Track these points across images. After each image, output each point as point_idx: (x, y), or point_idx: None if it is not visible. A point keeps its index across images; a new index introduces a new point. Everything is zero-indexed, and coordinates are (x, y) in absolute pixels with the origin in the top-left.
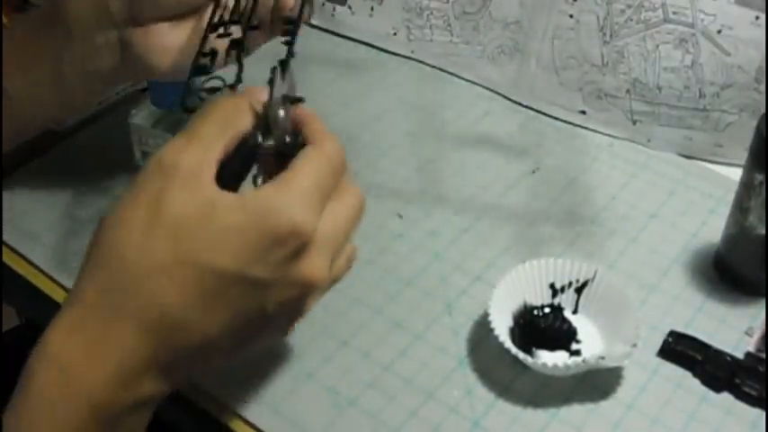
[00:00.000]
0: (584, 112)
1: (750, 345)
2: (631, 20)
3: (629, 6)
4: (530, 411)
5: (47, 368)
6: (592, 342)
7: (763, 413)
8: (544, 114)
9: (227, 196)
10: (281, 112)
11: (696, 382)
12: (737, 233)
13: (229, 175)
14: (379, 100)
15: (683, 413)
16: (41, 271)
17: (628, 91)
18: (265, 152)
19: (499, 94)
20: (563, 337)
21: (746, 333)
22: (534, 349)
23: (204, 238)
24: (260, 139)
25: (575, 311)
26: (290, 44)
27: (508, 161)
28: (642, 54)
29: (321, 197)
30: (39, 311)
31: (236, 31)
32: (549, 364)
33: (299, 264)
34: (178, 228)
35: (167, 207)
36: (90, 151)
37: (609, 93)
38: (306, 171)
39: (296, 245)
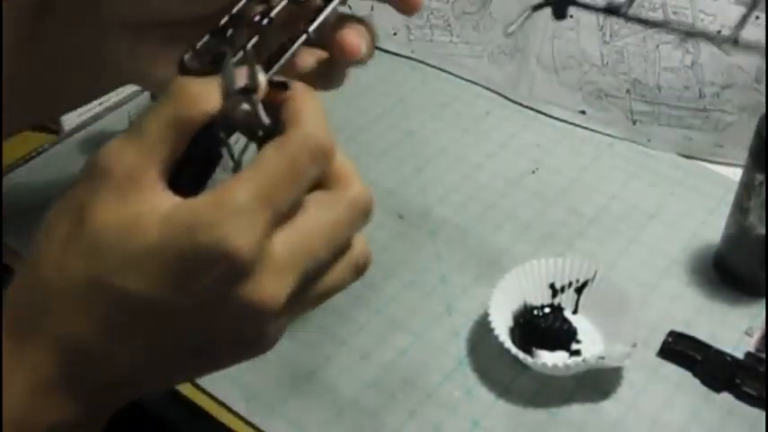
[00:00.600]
0: (584, 112)
1: (750, 345)
2: (631, 20)
3: (630, 6)
4: (530, 411)
5: None
6: (592, 342)
7: (763, 413)
8: (544, 114)
9: (158, 208)
10: (245, 104)
11: (696, 382)
12: (737, 233)
13: (187, 178)
14: (379, 100)
15: (683, 413)
16: None
17: (628, 91)
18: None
19: (499, 94)
20: (563, 337)
21: (746, 333)
22: (534, 349)
23: (119, 257)
24: (221, 132)
25: (575, 311)
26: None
27: (508, 161)
28: (642, 54)
29: (268, 205)
30: None
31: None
32: (549, 364)
33: (240, 289)
34: (95, 244)
35: (89, 219)
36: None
37: (609, 93)
38: (247, 177)
39: (229, 269)
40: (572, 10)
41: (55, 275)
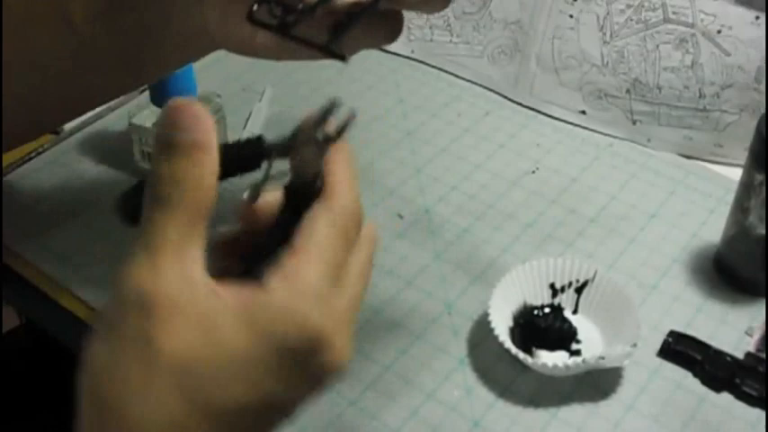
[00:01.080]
0: (584, 112)
1: (750, 345)
2: (631, 20)
3: (629, 6)
4: (530, 411)
5: None
6: (592, 342)
7: (763, 413)
8: (544, 114)
9: (229, 310)
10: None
11: (696, 382)
12: (737, 233)
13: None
14: (379, 100)
15: (683, 413)
16: (41, 271)
17: (628, 91)
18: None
19: (499, 94)
20: (563, 337)
21: (746, 333)
22: (534, 349)
23: (211, 375)
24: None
25: (575, 311)
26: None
27: (508, 161)
28: (642, 54)
29: (335, 277)
30: (39, 311)
31: None
32: (549, 364)
33: (324, 360)
34: (179, 370)
35: (160, 348)
36: (90, 151)
37: (609, 93)
38: (312, 254)
39: (311, 346)
40: (572, 9)
41: (146, 416)
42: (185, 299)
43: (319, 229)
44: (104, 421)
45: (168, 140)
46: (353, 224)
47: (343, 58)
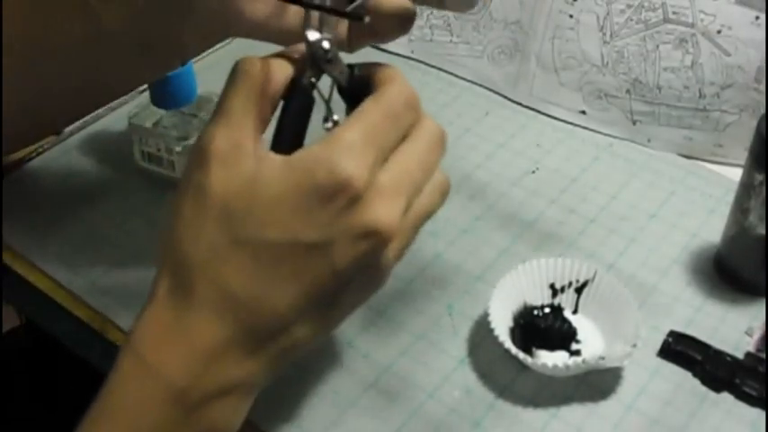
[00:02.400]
0: (584, 112)
1: (750, 345)
2: (631, 20)
3: (629, 6)
4: (530, 411)
5: (128, 361)
6: (592, 342)
7: (763, 413)
8: (544, 114)
9: (270, 164)
10: (325, 43)
11: (696, 382)
12: (737, 233)
13: (287, 135)
14: None
15: (683, 413)
16: (41, 271)
17: (628, 91)
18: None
19: (499, 94)
20: (563, 337)
21: (746, 333)
22: (534, 349)
23: (250, 213)
24: (308, 83)
25: (575, 311)
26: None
27: (508, 161)
28: (642, 54)
29: (373, 144)
30: (39, 311)
31: None
32: (549, 364)
33: (356, 214)
34: (223, 209)
35: (209, 192)
36: (90, 151)
37: (609, 93)
38: (354, 122)
39: (346, 197)
40: (572, 9)
41: (196, 249)
42: (234, 154)
43: (363, 106)
44: (168, 258)
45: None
46: (401, 105)
47: (360, 18)
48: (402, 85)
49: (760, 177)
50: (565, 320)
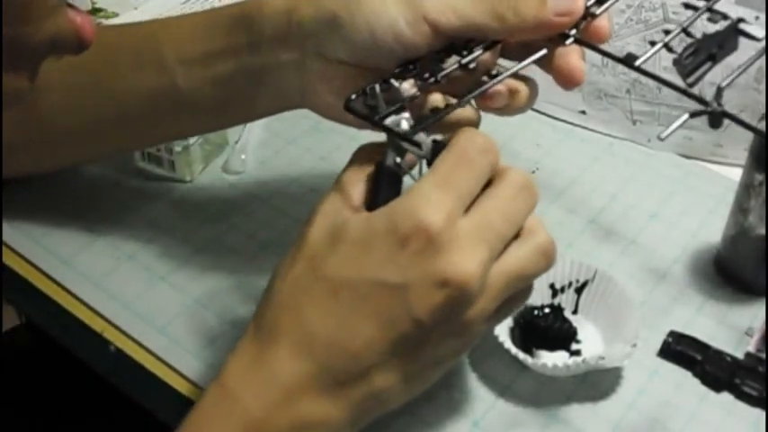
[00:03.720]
0: (584, 112)
1: (750, 345)
2: (631, 20)
3: (629, 6)
4: (530, 411)
5: (212, 389)
6: (592, 342)
7: (763, 413)
8: (544, 114)
9: (358, 215)
10: (404, 122)
11: (696, 382)
12: (737, 233)
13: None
14: None
15: (683, 413)
16: (41, 271)
17: (628, 91)
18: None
19: None
20: (563, 337)
21: (746, 333)
22: (534, 349)
23: (334, 254)
24: (392, 161)
25: (575, 311)
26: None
27: (508, 161)
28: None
29: (448, 189)
30: (39, 311)
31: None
32: (549, 364)
33: (434, 259)
34: (313, 252)
35: (306, 240)
36: None
37: (609, 93)
38: (429, 173)
39: (423, 240)
40: None
41: (285, 285)
42: (335, 211)
43: (438, 159)
44: (264, 298)
45: None
46: (474, 150)
47: (419, 145)
48: (473, 133)
49: (760, 177)
50: (565, 320)
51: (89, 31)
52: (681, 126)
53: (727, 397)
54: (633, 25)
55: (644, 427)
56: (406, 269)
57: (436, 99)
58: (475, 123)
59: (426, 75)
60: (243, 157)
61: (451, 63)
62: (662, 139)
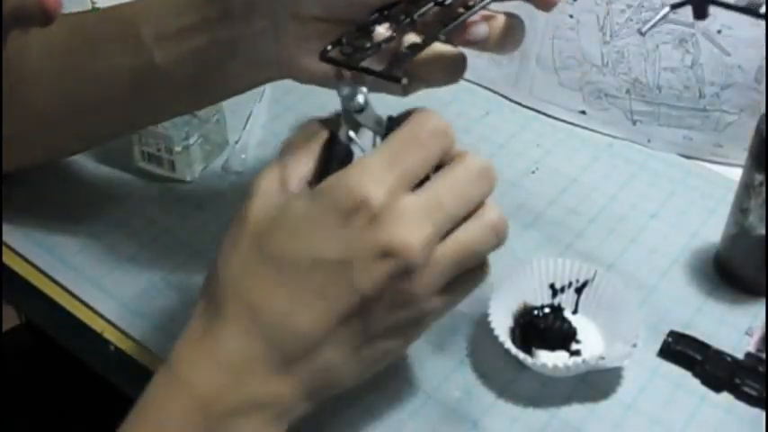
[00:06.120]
0: (584, 112)
1: (750, 345)
2: (631, 20)
3: (629, 6)
4: (530, 411)
5: (161, 373)
6: (592, 342)
7: (763, 413)
8: (544, 114)
9: (297, 196)
10: (359, 98)
11: (696, 382)
12: (737, 233)
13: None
14: (380, 101)
15: (683, 413)
16: (41, 271)
17: (628, 91)
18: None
19: (499, 94)
20: (563, 337)
21: (746, 333)
22: (534, 349)
23: (278, 233)
24: (345, 134)
25: (575, 311)
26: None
27: (508, 161)
28: (642, 54)
29: (394, 167)
30: (39, 311)
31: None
32: (549, 364)
33: (375, 232)
34: (255, 231)
35: (247, 219)
36: (90, 151)
37: (609, 93)
38: (376, 150)
39: (365, 216)
40: (572, 9)
41: (227, 267)
42: (276, 190)
43: (389, 138)
44: (208, 278)
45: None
46: (426, 132)
47: (398, 80)
48: (427, 114)
49: (760, 177)
50: (565, 320)
51: (52, 2)
52: (662, 19)
53: (727, 397)
54: (633, 25)
55: (644, 427)
56: (349, 244)
57: (412, 39)
58: (455, 61)
59: (402, 17)
60: (243, 156)
61: (427, 2)
62: (642, 34)
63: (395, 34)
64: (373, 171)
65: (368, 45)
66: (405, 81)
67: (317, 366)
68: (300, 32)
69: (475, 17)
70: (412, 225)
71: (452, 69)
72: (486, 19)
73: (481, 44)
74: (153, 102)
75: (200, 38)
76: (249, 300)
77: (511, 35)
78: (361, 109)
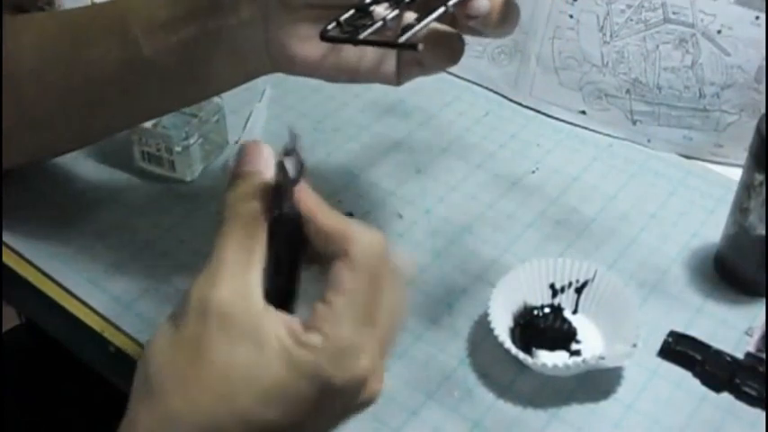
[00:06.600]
0: (584, 112)
1: (750, 345)
2: (631, 20)
3: (629, 6)
4: (530, 411)
5: None
6: (592, 342)
7: (763, 413)
8: (544, 114)
9: (275, 339)
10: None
11: (696, 382)
12: (737, 233)
13: (282, 276)
14: (379, 100)
15: (683, 413)
16: (41, 271)
17: (628, 91)
18: None
19: (499, 94)
20: (563, 337)
21: (746, 333)
22: (534, 349)
23: (252, 392)
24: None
25: (575, 311)
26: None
27: (508, 161)
28: (642, 54)
29: (368, 321)
30: (39, 311)
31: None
32: (549, 364)
33: (359, 397)
34: (222, 380)
35: (208, 356)
36: (90, 151)
37: (609, 93)
38: (347, 307)
39: (357, 389)
40: (572, 9)
41: (186, 410)
42: (238, 313)
43: (343, 282)
44: (150, 405)
45: (230, 172)
46: (378, 265)
47: (414, 47)
48: (376, 245)
49: (760, 177)
50: (565, 320)
51: None
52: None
53: (727, 397)
54: (633, 25)
55: (644, 427)
56: (338, 415)
57: (412, 17)
58: (453, 40)
59: None
60: None
61: None
62: None
63: (398, 11)
64: (360, 341)
65: (370, 23)
66: (421, 47)
67: None
68: (290, 20)
69: None
70: (381, 369)
71: (451, 49)
72: None
73: (481, 20)
74: (142, 96)
75: (189, 29)
76: None
77: (509, 13)
78: (396, 43)
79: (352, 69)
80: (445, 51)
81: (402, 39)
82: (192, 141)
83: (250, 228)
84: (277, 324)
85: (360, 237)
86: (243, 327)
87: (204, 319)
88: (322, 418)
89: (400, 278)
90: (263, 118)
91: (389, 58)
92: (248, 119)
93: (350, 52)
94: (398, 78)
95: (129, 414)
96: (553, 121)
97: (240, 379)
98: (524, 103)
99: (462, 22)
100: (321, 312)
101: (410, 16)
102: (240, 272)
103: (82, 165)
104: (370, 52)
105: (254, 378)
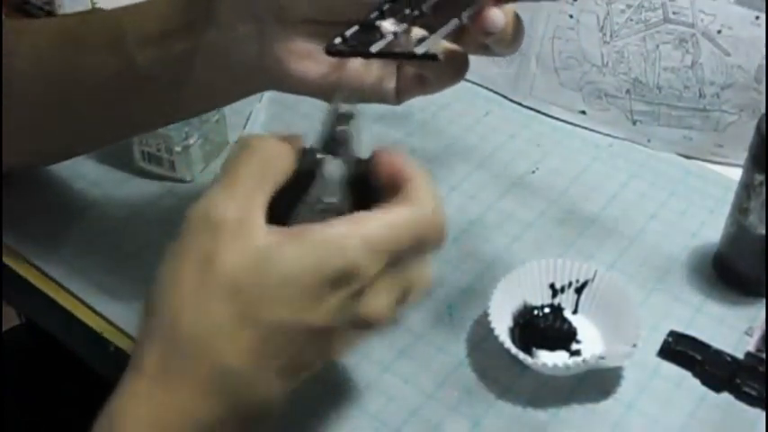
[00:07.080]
0: (584, 112)
1: (750, 345)
2: (631, 20)
3: (629, 6)
4: (530, 411)
5: (100, 422)
6: (592, 342)
7: (763, 413)
8: (544, 114)
9: (280, 241)
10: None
11: (696, 382)
12: (737, 233)
13: (283, 207)
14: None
15: (683, 413)
16: (41, 271)
17: (628, 91)
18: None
19: (499, 94)
20: (563, 337)
21: (746, 333)
22: (534, 349)
23: (260, 293)
24: (314, 158)
25: (575, 311)
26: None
27: (508, 161)
28: (642, 54)
29: (392, 249)
30: (39, 311)
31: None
32: (549, 364)
33: (360, 305)
34: (232, 286)
35: (218, 265)
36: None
37: (609, 93)
38: (383, 224)
39: (355, 287)
40: (572, 9)
41: (198, 322)
42: (244, 227)
43: (399, 216)
44: (162, 328)
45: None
46: (433, 240)
47: (435, 57)
48: (439, 223)
49: (760, 177)
50: (565, 320)
51: None
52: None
53: (727, 397)
54: (633, 25)
55: (644, 427)
56: (334, 314)
57: (420, 33)
58: (459, 59)
59: (407, 11)
60: None
61: None
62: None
63: (406, 25)
64: (373, 245)
65: (375, 38)
66: (442, 57)
67: (266, 415)
68: (287, 37)
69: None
70: (388, 299)
71: (456, 67)
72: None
73: (496, 37)
74: (137, 107)
75: (183, 43)
76: (225, 364)
77: (520, 29)
78: (351, 116)
79: (353, 88)
80: (450, 69)
81: (420, 50)
82: (191, 141)
83: (272, 160)
84: (286, 233)
85: (438, 212)
86: (252, 239)
87: (213, 232)
88: (323, 317)
89: (428, 267)
90: (263, 118)
91: (390, 77)
92: (248, 119)
93: (352, 70)
94: (399, 97)
95: (132, 361)
96: (553, 121)
97: (248, 280)
98: (524, 103)
99: (477, 38)
100: (356, 214)
101: (418, 32)
102: (250, 195)
103: (82, 165)
104: (374, 70)
105: (261, 282)
